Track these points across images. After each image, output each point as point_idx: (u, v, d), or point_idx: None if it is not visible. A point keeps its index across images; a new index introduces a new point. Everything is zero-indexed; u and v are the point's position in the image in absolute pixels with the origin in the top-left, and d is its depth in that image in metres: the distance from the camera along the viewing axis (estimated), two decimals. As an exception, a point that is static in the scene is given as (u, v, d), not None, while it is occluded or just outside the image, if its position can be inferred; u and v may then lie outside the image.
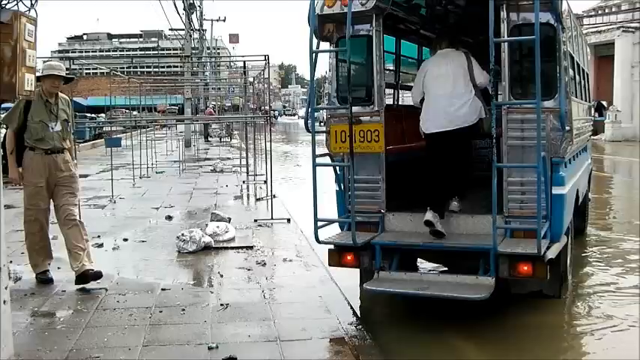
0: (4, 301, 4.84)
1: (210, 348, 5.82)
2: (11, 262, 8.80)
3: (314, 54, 6.89)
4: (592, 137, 11.08)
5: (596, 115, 11.13)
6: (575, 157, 7.86)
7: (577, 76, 8.41)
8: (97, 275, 7.81)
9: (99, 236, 10.71)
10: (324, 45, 7.56)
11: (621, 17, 43.04)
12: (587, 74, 10.27)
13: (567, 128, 6.61)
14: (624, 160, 29.61)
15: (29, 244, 8.15)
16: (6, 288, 4.87)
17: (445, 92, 7.35)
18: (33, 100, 7.59)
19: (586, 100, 9.64)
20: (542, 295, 7.16)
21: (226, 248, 9.94)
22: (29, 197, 7.97)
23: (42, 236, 8.13)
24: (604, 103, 12.56)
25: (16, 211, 12.31)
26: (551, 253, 6.50)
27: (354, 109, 6.89)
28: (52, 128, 7.89)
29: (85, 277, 7.73)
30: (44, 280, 8.04)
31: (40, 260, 8.14)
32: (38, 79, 7.46)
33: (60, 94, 8.14)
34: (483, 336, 6.78)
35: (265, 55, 14.41)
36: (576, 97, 7.86)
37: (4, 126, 8.11)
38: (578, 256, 9.74)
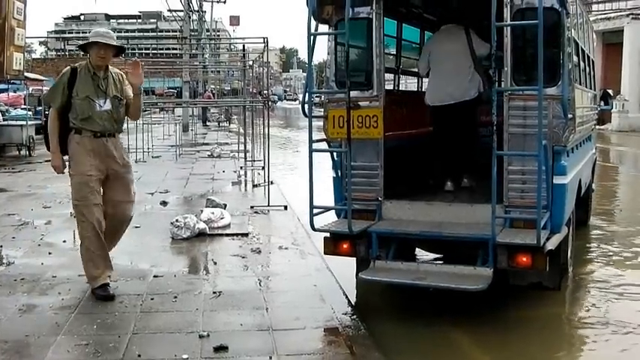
0: (-9, 286, 4.84)
1: (201, 336, 5.82)
2: (1, 246, 8.86)
3: (312, 36, 6.87)
4: (598, 127, 11.06)
5: (602, 103, 11.11)
6: (578, 147, 7.84)
7: (582, 63, 8.39)
8: (109, 297, 6.88)
9: (91, 221, 10.71)
10: (323, 28, 7.54)
11: (631, 4, 42.97)
12: (593, 62, 10.23)
13: (570, 116, 6.59)
14: (631, 151, 29.59)
15: (84, 250, 6.98)
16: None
17: (447, 69, 8.22)
18: (79, 73, 6.84)
19: (591, 89, 9.61)
20: (541, 286, 7.14)
21: (221, 235, 9.94)
22: (77, 190, 6.85)
23: (98, 240, 6.92)
24: (610, 91, 12.54)
25: (9, 194, 12.36)
26: (551, 244, 6.49)
27: (353, 93, 6.88)
28: (101, 106, 6.83)
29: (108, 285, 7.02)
30: (104, 296, 6.84)
31: (98, 272, 6.96)
32: (84, 48, 6.99)
33: (112, 67, 7.10)
34: (480, 328, 6.78)
35: (264, 38, 14.38)
36: (580, 85, 7.84)
37: (47, 106, 7.50)
38: (580, 247, 9.74)
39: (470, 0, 8.43)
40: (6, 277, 7.51)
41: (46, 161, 19.90)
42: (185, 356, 5.40)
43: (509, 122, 6.67)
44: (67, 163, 7.02)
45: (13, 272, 7.86)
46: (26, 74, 27.50)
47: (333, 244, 7.17)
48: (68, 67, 6.98)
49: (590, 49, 10.02)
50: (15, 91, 28.36)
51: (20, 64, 4.81)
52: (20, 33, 4.49)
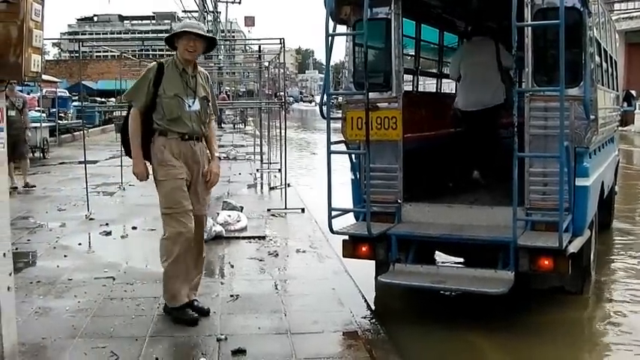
0: (9, 288, 4.89)
1: (218, 339, 5.85)
2: (16, 249, 8.95)
3: (330, 37, 6.90)
4: (620, 128, 11.03)
5: (625, 104, 11.08)
6: (600, 148, 7.83)
7: (604, 64, 8.38)
8: (204, 312, 6.49)
9: (107, 224, 10.80)
10: (341, 28, 7.57)
11: (654, 3, 42.67)
12: (616, 62, 10.21)
13: (592, 117, 6.59)
14: (655, 153, 29.40)
15: (172, 265, 6.24)
16: (10, 274, 4.91)
17: (476, 78, 9.09)
18: (166, 69, 6.27)
19: (614, 89, 9.59)
20: (563, 290, 7.16)
21: (238, 238, 9.98)
22: (169, 196, 6.17)
23: (190, 253, 6.35)
24: (633, 92, 12.49)
25: (23, 197, 12.46)
26: (574, 247, 6.50)
27: (371, 95, 6.89)
28: (190, 106, 6.23)
29: (189, 305, 6.43)
30: (188, 320, 6.23)
31: (181, 289, 6.35)
32: (171, 42, 6.39)
33: (199, 67, 6.50)
34: (501, 333, 6.77)
35: (281, 39, 14.40)
36: (603, 86, 7.83)
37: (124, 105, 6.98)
38: (603, 251, 9.71)
39: (491, 1, 8.46)
40: (22, 280, 7.57)
41: (61, 163, 20.10)
42: (202, 360, 5.44)
43: (531, 123, 6.68)
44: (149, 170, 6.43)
45: (28, 275, 7.93)
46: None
47: (352, 246, 7.20)
48: (154, 63, 6.42)
49: (613, 49, 10.00)
50: (28, 93, 28.57)
51: (38, 65, 4.82)
52: (38, 34, 4.51)
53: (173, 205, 6.16)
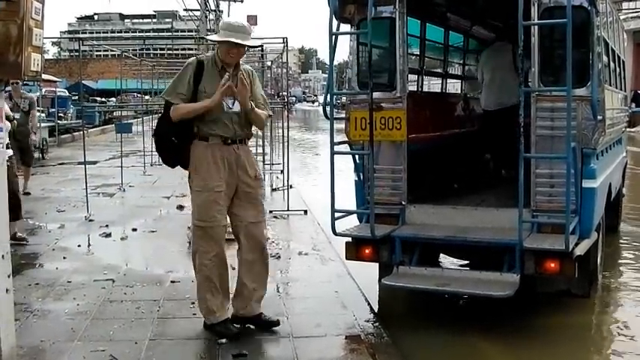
0: (7, 290, 4.89)
1: (219, 343, 5.84)
2: (15, 250, 8.94)
3: (334, 36, 6.90)
4: (628, 129, 11.02)
5: (633, 105, 11.07)
6: (608, 149, 7.83)
7: (612, 64, 8.37)
8: (274, 323, 6.25)
9: (107, 225, 10.80)
10: (345, 27, 7.57)
11: (664, 2, 42.64)
12: (624, 62, 10.21)
13: (600, 118, 6.58)
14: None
15: (202, 280, 6.08)
16: (8, 276, 4.92)
17: (496, 81, 9.99)
18: (206, 67, 5.96)
19: (622, 90, 9.58)
20: (570, 294, 7.14)
21: (239, 240, 9.96)
22: (203, 208, 5.93)
23: (221, 267, 6.11)
24: (641, 92, 12.48)
25: (22, 198, 12.44)
26: (580, 250, 6.49)
27: (375, 94, 6.88)
28: (230, 107, 5.94)
29: (257, 319, 6.23)
30: (230, 335, 5.96)
31: (217, 305, 6.09)
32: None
33: (241, 65, 6.14)
34: (506, 336, 6.77)
35: (283, 38, 14.39)
36: (610, 86, 7.83)
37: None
38: (610, 254, 9.70)
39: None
40: (20, 282, 7.57)
41: (60, 164, 20.12)
42: (203, 363, 5.44)
43: (537, 124, 6.67)
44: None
45: (27, 277, 7.94)
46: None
47: (355, 249, 7.19)
48: (193, 59, 6.10)
49: (621, 48, 10.00)
50: (28, 92, 28.62)
51: (38, 65, 4.82)
52: (38, 33, 4.51)
53: (206, 219, 5.92)
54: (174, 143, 5.97)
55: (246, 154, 6.09)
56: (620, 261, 9.99)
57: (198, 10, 40.56)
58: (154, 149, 21.95)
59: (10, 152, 9.26)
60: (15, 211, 9.24)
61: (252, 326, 6.18)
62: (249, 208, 6.07)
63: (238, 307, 6.19)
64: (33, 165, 15.87)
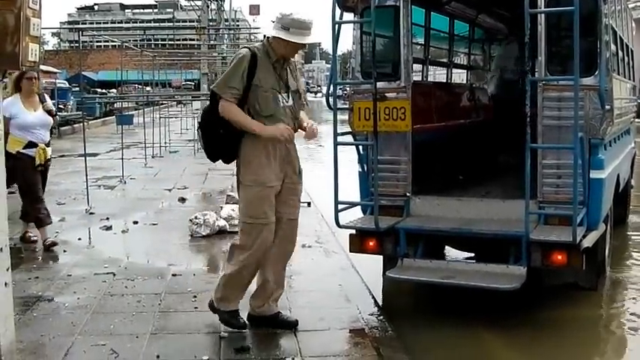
0: (5, 284, 4.89)
1: (222, 337, 5.86)
2: (14, 244, 8.95)
3: (337, 25, 6.88)
4: (637, 120, 10.99)
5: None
6: (616, 140, 7.81)
7: (620, 52, 8.34)
8: (293, 324, 6.15)
9: (107, 218, 10.81)
10: (348, 16, 7.55)
11: (673, -11, 42.46)
12: (632, 51, 10.17)
13: (608, 107, 6.56)
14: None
15: (236, 276, 5.92)
16: (7, 270, 4.91)
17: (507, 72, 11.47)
18: (259, 59, 5.72)
19: (630, 79, 9.56)
20: (577, 286, 7.14)
21: (242, 232, 9.96)
22: (255, 205, 5.76)
23: (257, 268, 5.99)
24: (651, 82, 12.44)
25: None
26: (588, 242, 6.48)
27: (379, 84, 6.87)
28: (285, 101, 5.80)
29: (274, 318, 6.14)
30: (238, 325, 6.01)
31: (236, 296, 6.05)
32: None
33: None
34: (513, 330, 6.76)
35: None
36: (619, 75, 7.80)
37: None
38: (619, 246, 9.69)
39: None
40: (19, 276, 7.58)
41: (60, 156, 20.10)
42: (205, 357, 5.44)
43: (544, 114, 6.65)
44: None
45: (26, 271, 7.95)
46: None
47: (359, 241, 7.19)
48: (246, 50, 5.80)
49: (629, 37, 9.95)
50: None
51: (36, 55, 4.82)
52: (36, 23, 4.50)
53: (257, 216, 5.75)
54: (222, 136, 5.76)
55: (294, 149, 5.94)
56: (628, 253, 9.97)
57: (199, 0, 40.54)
58: (155, 141, 21.97)
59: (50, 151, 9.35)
60: (46, 214, 9.22)
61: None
62: (289, 204, 5.96)
63: (255, 305, 6.10)
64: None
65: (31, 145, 8.91)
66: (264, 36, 6.01)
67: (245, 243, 5.82)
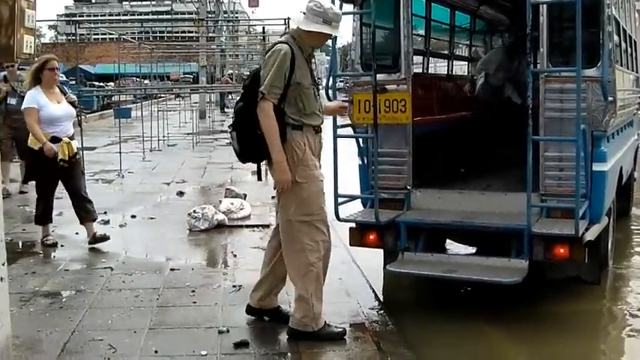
0: (2, 279, 4.88)
1: (220, 332, 5.85)
2: (11, 240, 8.95)
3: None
4: (640, 112, 10.98)
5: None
6: (619, 132, 7.79)
7: (623, 44, 8.32)
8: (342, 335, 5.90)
9: (105, 212, 10.77)
10: (348, 7, 7.52)
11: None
12: (636, 42, 10.15)
13: (611, 99, 6.55)
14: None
15: (312, 281, 5.66)
16: (3, 264, 4.90)
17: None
18: (295, 54, 5.53)
19: (634, 71, 9.54)
20: (579, 280, 7.13)
21: (241, 226, 9.98)
22: (312, 200, 5.62)
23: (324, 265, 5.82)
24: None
25: (17, 185, 12.46)
26: (590, 235, 6.47)
27: (379, 76, 6.87)
28: (317, 97, 5.76)
29: (275, 312, 6.14)
30: (339, 335, 5.82)
31: (320, 306, 5.78)
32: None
33: None
34: (515, 324, 6.76)
35: (285, 19, 14.37)
36: (622, 66, 7.78)
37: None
38: (621, 239, 9.68)
39: None
40: (16, 271, 7.58)
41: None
42: (204, 352, 5.44)
43: (546, 106, 6.64)
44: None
45: (23, 265, 7.94)
46: (36, 60, 27.58)
47: (360, 235, 7.18)
48: (286, 47, 5.54)
49: (632, 28, 9.92)
50: (24, 77, 28.63)
51: (31, 47, 4.79)
52: (31, 14, 4.49)
53: (314, 212, 5.59)
54: (260, 136, 5.49)
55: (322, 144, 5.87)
56: (631, 247, 9.97)
57: (197, -9, 40.52)
58: (153, 134, 21.89)
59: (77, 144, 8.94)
60: (87, 210, 8.83)
61: (267, 318, 6.10)
62: None
63: (256, 297, 6.05)
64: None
65: (55, 140, 8.38)
66: (287, 29, 5.93)
67: (307, 244, 5.59)
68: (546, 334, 6.65)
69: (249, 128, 5.52)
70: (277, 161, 5.45)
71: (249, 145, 5.62)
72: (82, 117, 8.37)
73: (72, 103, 8.87)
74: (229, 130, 5.80)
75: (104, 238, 8.78)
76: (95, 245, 8.72)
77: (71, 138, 8.66)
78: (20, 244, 9.02)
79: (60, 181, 8.80)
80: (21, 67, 13.91)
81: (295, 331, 5.72)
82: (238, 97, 5.79)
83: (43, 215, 8.89)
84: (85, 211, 8.81)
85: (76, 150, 8.72)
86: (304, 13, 5.58)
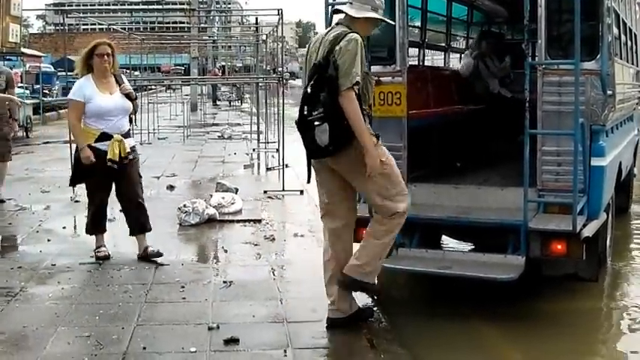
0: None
1: (210, 328, 5.85)
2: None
3: (330, 7, 6.86)
4: (640, 106, 10.99)
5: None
6: (618, 126, 7.81)
7: (623, 37, 8.33)
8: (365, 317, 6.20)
9: (93, 206, 10.77)
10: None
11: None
12: (636, 35, 10.17)
13: (610, 93, 6.56)
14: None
15: (390, 241, 6.05)
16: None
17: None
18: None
19: (634, 64, 9.55)
20: (577, 277, 7.14)
21: (232, 221, 9.98)
22: (394, 178, 5.89)
23: None
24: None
25: (5, 178, 12.43)
26: (588, 231, 6.48)
27: (374, 68, 6.87)
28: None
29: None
30: (375, 287, 6.26)
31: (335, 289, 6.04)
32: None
33: None
34: (510, 322, 6.77)
35: (278, 10, 14.32)
36: (621, 59, 7.79)
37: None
38: (620, 236, 9.70)
39: None
40: (2, 265, 7.58)
41: (45, 143, 20.07)
42: (193, 349, 5.44)
43: (543, 99, 6.64)
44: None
45: (9, 260, 7.94)
46: (23, 50, 27.67)
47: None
48: (357, 36, 5.54)
49: (633, 21, 9.94)
50: (11, 68, 28.60)
51: (17, 36, 4.74)
52: (16, 3, 4.44)
53: (402, 189, 5.91)
54: (346, 125, 5.50)
55: None
56: (630, 244, 9.99)
57: (189, -19, 40.47)
58: (143, 127, 21.87)
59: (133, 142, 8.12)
60: (140, 222, 8.08)
61: None
62: None
63: (344, 307, 6.03)
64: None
65: (105, 137, 7.57)
66: (342, 18, 5.81)
67: (395, 219, 5.85)
68: (543, 333, 6.66)
69: (341, 118, 5.48)
70: (371, 146, 5.53)
71: (340, 136, 5.54)
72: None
73: (128, 95, 7.87)
74: (318, 124, 5.52)
75: (158, 254, 7.98)
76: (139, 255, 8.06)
77: (125, 135, 7.80)
78: (6, 238, 9.01)
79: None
80: (7, 58, 13.64)
81: (349, 279, 5.90)
82: (310, 89, 5.60)
83: (93, 224, 8.12)
84: (137, 222, 8.08)
85: (129, 150, 7.78)
86: (351, 3, 5.72)
